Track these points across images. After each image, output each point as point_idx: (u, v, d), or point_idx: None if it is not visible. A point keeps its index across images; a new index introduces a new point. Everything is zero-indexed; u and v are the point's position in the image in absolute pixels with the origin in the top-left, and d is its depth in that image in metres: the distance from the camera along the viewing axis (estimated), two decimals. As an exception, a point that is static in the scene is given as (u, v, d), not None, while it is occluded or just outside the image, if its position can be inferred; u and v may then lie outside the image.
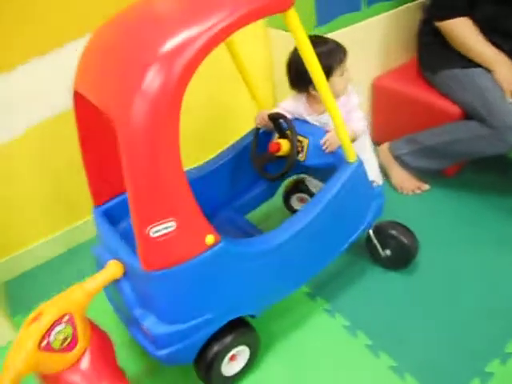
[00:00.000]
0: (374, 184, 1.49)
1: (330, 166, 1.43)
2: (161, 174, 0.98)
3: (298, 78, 1.43)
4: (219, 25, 0.95)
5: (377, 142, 2.05)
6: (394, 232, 1.57)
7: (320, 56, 1.17)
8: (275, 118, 1.49)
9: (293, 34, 1.08)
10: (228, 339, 1.26)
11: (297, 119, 1.52)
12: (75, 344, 1.06)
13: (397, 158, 1.97)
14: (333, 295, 1.59)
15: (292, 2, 1.02)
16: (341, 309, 1.54)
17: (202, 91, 1.98)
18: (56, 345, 1.03)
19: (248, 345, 1.33)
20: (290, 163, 1.43)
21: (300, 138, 1.46)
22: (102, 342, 1.14)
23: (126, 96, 0.95)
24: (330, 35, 1.81)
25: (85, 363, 1.07)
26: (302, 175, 1.79)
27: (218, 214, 1.65)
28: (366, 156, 1.53)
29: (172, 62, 0.93)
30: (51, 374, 1.07)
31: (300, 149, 1.47)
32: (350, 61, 1.76)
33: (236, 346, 1.29)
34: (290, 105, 1.55)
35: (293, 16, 1.05)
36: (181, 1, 1.08)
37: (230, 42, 1.44)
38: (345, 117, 1.34)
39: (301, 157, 1.47)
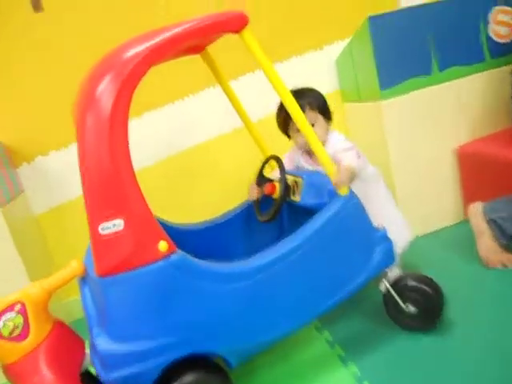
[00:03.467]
0: (379, 227, 1.36)
1: (324, 206, 1.36)
2: (109, 171, 1.02)
3: (279, 121, 1.50)
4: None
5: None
6: (415, 283, 1.37)
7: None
8: (260, 175, 1.53)
9: (253, 56, 1.15)
10: (188, 378, 1.13)
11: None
12: (26, 335, 1.05)
13: (491, 221, 1.67)
14: (359, 359, 1.37)
15: (245, 21, 1.11)
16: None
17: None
18: (5, 332, 1.04)
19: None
20: (278, 202, 1.40)
21: (294, 178, 1.43)
22: (63, 343, 1.11)
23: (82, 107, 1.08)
24: (396, 99, 1.86)
25: (33, 357, 1.05)
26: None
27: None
28: (379, 206, 1.44)
29: (114, 78, 1.03)
30: (5, 365, 1.06)
31: (295, 189, 1.43)
32: (426, 126, 1.79)
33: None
34: (292, 155, 1.57)
35: (248, 37, 1.13)
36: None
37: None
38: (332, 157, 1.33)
39: (296, 197, 1.43)
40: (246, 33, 1.12)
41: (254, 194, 1.56)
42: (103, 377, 1.09)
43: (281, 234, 1.66)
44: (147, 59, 1.05)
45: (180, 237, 1.53)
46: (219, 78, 1.51)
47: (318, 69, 2.18)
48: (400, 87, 1.88)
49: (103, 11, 1.91)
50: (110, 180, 1.03)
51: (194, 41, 1.10)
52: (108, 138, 1.02)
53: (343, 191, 1.28)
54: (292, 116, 1.23)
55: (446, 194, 2.01)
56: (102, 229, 1.04)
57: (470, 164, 1.94)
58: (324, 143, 1.46)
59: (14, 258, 1.66)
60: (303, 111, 1.39)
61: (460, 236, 1.89)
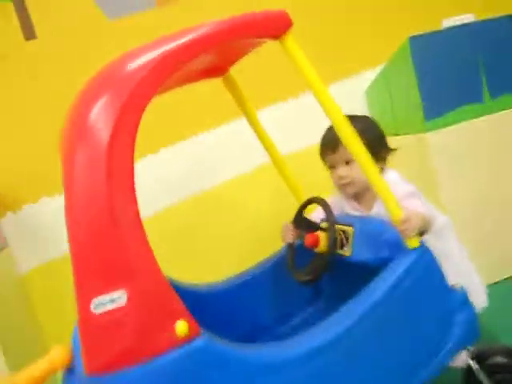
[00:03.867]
0: (457, 287, 1.04)
1: (384, 262, 1.06)
2: (106, 224, 0.73)
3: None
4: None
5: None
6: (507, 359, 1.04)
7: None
8: (299, 216, 1.22)
9: (295, 66, 0.89)
10: None
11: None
12: None
13: None
14: None
15: (289, 23, 0.85)
16: None
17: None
18: None
19: None
20: (325, 258, 1.08)
21: (343, 228, 1.13)
22: None
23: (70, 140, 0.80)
24: (444, 130, 1.58)
25: None
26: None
27: (255, 341, 1.28)
28: (454, 264, 1.13)
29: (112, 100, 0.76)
30: None
31: (344, 241, 1.13)
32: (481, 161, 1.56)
33: None
34: (335, 201, 1.26)
35: (291, 44, 0.86)
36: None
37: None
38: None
39: (345, 251, 1.12)
40: (289, 38, 0.85)
41: (290, 236, 1.23)
42: None
43: (316, 295, 1.35)
44: (156, 72, 0.78)
45: (191, 301, 1.24)
46: (244, 107, 1.24)
47: (346, 99, 1.92)
48: (447, 117, 1.59)
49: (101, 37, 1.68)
50: (108, 237, 0.73)
51: (219, 49, 0.84)
52: (105, 181, 0.74)
53: (413, 243, 0.98)
54: (344, 141, 0.96)
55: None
56: (96, 306, 0.73)
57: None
58: (370, 188, 1.18)
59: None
60: (336, 146, 1.14)
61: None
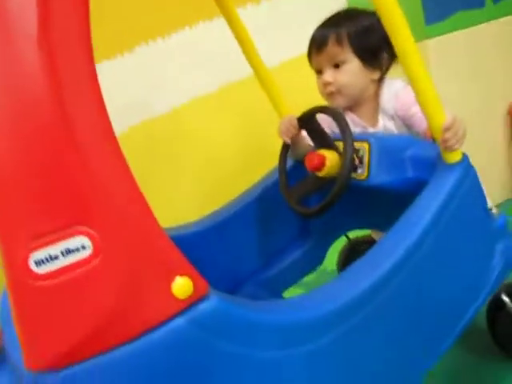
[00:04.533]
0: (495, 211, 0.86)
1: (409, 184, 0.84)
2: (51, 128, 0.43)
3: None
4: None
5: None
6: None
7: None
8: (308, 118, 0.94)
9: None
10: None
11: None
12: None
13: None
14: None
15: None
16: None
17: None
18: None
19: None
20: (341, 182, 0.83)
21: (356, 144, 0.89)
22: None
23: None
24: (444, 37, 1.40)
25: None
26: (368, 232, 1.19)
27: (238, 291, 1.04)
28: None
29: None
30: None
31: (357, 161, 0.89)
32: (477, 72, 1.44)
33: None
34: (322, 118, 0.96)
35: None
36: None
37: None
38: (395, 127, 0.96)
39: (360, 174, 0.88)
40: None
41: (291, 131, 0.96)
42: None
43: (305, 230, 1.11)
44: None
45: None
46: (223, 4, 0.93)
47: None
48: (447, 22, 1.40)
49: None
50: (57, 147, 0.43)
51: None
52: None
53: (455, 156, 0.76)
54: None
55: (496, 163, 1.56)
56: (38, 262, 0.43)
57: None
58: (367, 98, 0.98)
59: None
60: (324, 44, 0.94)
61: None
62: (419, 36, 1.39)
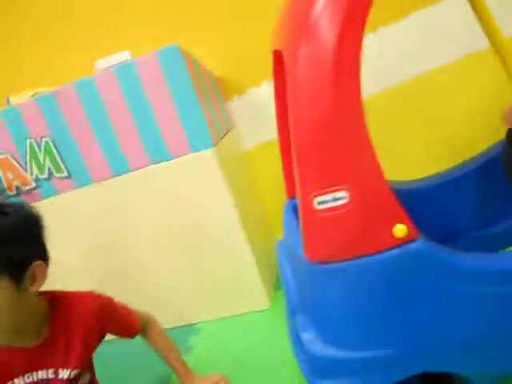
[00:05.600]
0: None
1: None
2: (331, 121, 0.73)
3: None
4: None
5: None
6: None
7: None
8: None
9: None
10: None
11: None
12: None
13: None
14: None
15: None
16: None
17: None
18: None
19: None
20: None
21: None
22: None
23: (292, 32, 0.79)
24: None
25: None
26: None
27: (455, 241, 1.22)
28: None
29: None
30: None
31: None
32: None
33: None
34: None
35: None
36: None
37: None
38: None
39: None
40: None
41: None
42: (309, 379, 0.90)
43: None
44: None
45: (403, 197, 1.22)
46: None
47: None
48: None
49: None
50: (332, 135, 0.74)
51: None
52: (331, 78, 0.72)
53: None
54: None
55: None
56: (319, 203, 0.78)
57: None
58: None
59: (226, 200, 1.58)
60: None
61: None
62: None
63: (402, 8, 1.64)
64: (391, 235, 0.76)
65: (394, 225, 0.76)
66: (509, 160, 1.07)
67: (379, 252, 0.77)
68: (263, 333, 1.51)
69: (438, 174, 1.28)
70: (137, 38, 1.77)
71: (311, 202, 0.78)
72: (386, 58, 1.67)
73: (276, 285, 1.73)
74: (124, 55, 1.54)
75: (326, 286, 0.83)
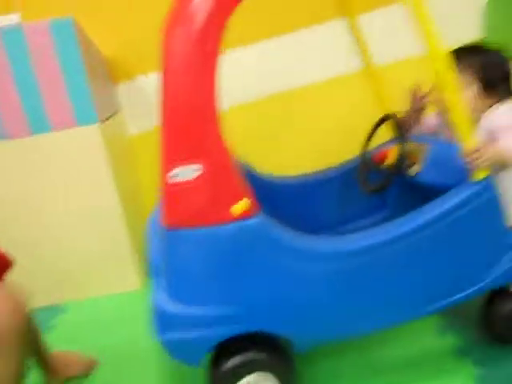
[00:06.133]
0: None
1: (450, 187, 1.08)
2: (193, 103, 0.85)
3: None
4: None
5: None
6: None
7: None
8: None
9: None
10: (249, 355, 0.99)
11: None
12: None
13: None
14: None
15: None
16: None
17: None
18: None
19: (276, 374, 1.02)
20: (390, 172, 1.14)
21: (416, 146, 1.15)
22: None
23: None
24: None
25: None
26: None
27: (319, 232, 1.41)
28: None
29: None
30: None
31: (415, 160, 1.15)
32: None
33: (256, 370, 1.00)
34: (434, 120, 1.25)
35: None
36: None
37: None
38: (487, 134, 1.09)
39: (414, 169, 1.15)
40: None
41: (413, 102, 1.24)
42: (157, 335, 1.00)
43: (381, 209, 1.41)
44: None
45: (266, 190, 1.36)
46: (348, 9, 1.22)
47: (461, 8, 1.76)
48: None
49: None
50: (193, 115, 0.86)
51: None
52: (196, 65, 0.85)
53: (479, 175, 0.98)
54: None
55: None
56: (175, 174, 0.88)
57: None
58: (478, 118, 1.14)
59: (105, 176, 1.62)
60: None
61: None
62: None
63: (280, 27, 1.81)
64: (233, 209, 0.89)
65: (236, 201, 0.89)
66: (361, 173, 1.29)
67: (222, 223, 0.90)
68: (132, 314, 1.54)
69: (306, 175, 1.46)
70: (31, 1, 1.72)
71: (167, 175, 0.88)
72: (265, 71, 1.83)
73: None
74: (13, 18, 1.52)
75: (177, 249, 0.94)
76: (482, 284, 1.04)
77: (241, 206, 0.89)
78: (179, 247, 0.93)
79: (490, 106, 1.14)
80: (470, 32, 1.72)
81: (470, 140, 0.97)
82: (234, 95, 1.76)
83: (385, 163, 1.19)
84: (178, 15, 0.88)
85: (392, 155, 1.17)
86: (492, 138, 1.08)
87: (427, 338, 1.23)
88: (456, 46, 1.17)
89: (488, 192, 0.99)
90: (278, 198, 1.39)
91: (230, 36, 0.86)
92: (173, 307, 0.96)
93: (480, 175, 0.98)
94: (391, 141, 1.24)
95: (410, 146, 1.16)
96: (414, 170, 1.15)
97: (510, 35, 1.63)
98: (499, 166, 1.03)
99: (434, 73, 0.93)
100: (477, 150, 0.96)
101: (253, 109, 1.84)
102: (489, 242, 1.03)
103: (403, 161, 1.15)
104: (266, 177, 1.40)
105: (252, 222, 0.91)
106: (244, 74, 1.79)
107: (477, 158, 0.97)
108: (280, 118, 1.87)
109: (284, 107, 1.86)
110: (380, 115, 1.28)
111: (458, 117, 0.96)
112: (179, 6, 0.89)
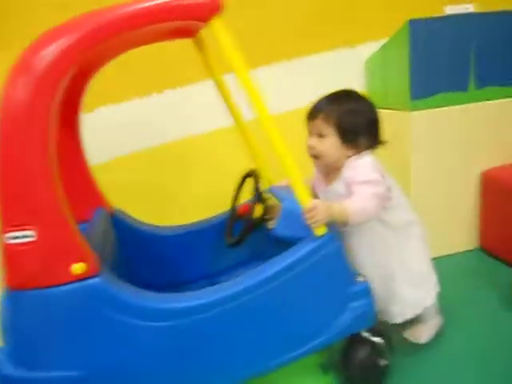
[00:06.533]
0: (361, 279, 1.12)
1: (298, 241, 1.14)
2: (21, 174, 0.86)
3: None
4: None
5: (487, 249, 1.80)
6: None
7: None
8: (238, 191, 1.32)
9: (221, 49, 0.93)
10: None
11: None
12: None
13: None
14: None
15: (218, 7, 0.89)
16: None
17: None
18: None
19: None
20: (246, 226, 1.20)
21: (274, 203, 1.22)
22: None
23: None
24: (426, 112, 1.66)
25: None
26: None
27: (193, 283, 1.44)
28: (408, 259, 1.24)
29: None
30: None
31: (272, 214, 1.22)
32: (454, 145, 1.70)
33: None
34: (314, 177, 1.32)
35: (219, 28, 0.91)
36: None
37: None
38: (344, 192, 1.16)
39: (270, 224, 1.22)
40: (217, 23, 0.91)
41: None
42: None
43: (257, 260, 1.45)
44: (67, 57, 0.87)
45: (145, 240, 1.41)
46: (211, 70, 1.29)
47: (347, 67, 1.94)
48: (432, 100, 1.65)
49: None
50: (23, 185, 0.87)
51: (142, 29, 0.89)
52: (21, 143, 0.86)
53: (319, 231, 1.06)
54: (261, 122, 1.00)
55: (463, 219, 1.82)
56: (12, 237, 0.88)
57: (492, 190, 1.73)
58: (340, 168, 1.19)
59: None
60: (315, 117, 1.17)
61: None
62: (404, 107, 1.67)
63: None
64: (70, 271, 0.90)
65: (73, 262, 0.90)
66: (227, 225, 1.33)
67: (58, 285, 0.90)
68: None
69: (184, 226, 1.49)
70: None
71: (5, 236, 0.88)
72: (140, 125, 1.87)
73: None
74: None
75: (16, 310, 0.92)
76: (330, 334, 1.10)
77: (76, 269, 0.90)
78: (17, 309, 0.92)
79: (349, 157, 1.17)
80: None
81: (305, 200, 1.05)
82: (117, 148, 1.78)
83: (244, 217, 1.25)
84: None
85: (251, 210, 1.23)
86: (349, 190, 1.14)
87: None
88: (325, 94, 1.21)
89: (327, 247, 1.06)
90: (157, 248, 1.41)
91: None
92: (14, 371, 0.93)
93: (319, 231, 1.06)
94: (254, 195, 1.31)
95: (269, 201, 1.23)
96: (271, 224, 1.21)
97: (385, 91, 1.83)
98: (341, 223, 1.11)
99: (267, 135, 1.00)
100: (311, 210, 1.04)
101: (136, 160, 1.86)
102: (333, 293, 1.10)
103: (261, 215, 1.21)
104: (146, 227, 1.42)
105: (92, 282, 0.92)
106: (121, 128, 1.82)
107: (312, 217, 1.04)
108: (170, 168, 1.91)
109: (174, 158, 1.90)
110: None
111: (293, 178, 1.03)
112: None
